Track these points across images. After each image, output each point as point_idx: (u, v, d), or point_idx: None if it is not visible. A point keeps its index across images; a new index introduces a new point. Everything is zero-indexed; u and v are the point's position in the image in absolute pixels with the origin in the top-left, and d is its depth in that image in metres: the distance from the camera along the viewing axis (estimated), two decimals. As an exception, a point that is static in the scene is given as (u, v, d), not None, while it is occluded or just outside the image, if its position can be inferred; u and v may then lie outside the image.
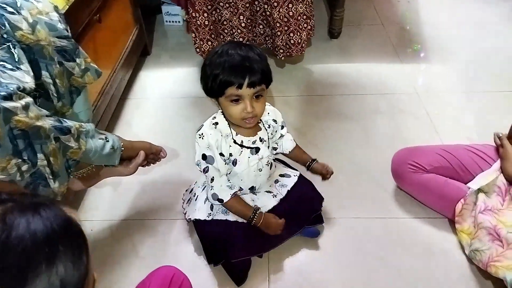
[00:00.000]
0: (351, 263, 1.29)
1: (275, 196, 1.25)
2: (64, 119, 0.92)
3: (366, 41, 2.37)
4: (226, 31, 1.87)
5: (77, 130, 0.93)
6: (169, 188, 1.54)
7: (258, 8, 1.81)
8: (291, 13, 1.82)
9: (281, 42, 1.87)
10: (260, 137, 1.15)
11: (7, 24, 0.87)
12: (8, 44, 0.86)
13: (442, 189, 1.33)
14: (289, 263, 1.30)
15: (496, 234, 1.17)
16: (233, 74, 0.98)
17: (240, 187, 1.19)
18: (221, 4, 1.81)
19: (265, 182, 1.23)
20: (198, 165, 1.14)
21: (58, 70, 0.98)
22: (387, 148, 1.60)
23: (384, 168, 1.49)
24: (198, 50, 1.93)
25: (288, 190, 1.26)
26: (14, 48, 0.87)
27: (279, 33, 1.84)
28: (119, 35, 1.91)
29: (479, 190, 1.28)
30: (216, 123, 1.11)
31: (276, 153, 1.29)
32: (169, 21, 2.58)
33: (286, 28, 1.85)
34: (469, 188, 1.28)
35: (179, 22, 2.56)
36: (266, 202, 1.23)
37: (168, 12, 2.54)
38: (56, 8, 1.00)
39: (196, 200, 1.27)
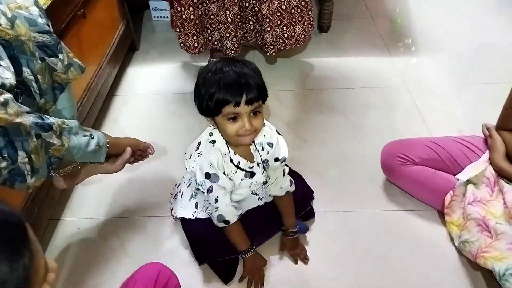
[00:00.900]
0: (342, 256, 1.29)
1: (261, 199, 1.24)
2: (46, 116, 0.90)
3: (356, 35, 2.36)
4: (213, 25, 1.85)
5: (59, 127, 0.91)
6: (157, 185, 1.53)
7: (247, 4, 1.79)
8: (284, 7, 1.81)
9: (271, 37, 1.85)
10: (258, 162, 1.11)
11: (-16, 19, 0.84)
12: (-14, 39, 0.84)
13: (431, 181, 1.33)
14: (279, 259, 1.29)
15: (485, 225, 1.17)
16: (229, 92, 0.93)
17: None
18: (208, -2, 1.78)
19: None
20: (201, 185, 1.09)
21: (39, 66, 0.96)
22: (377, 141, 1.60)
23: (374, 161, 1.49)
24: (182, 45, 1.90)
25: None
26: (-7, 44, 0.85)
27: (268, 29, 1.82)
28: (105, 30, 1.88)
29: (468, 181, 1.28)
30: (214, 141, 1.06)
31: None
32: (157, 17, 2.55)
33: (278, 22, 1.83)
34: (458, 179, 1.28)
35: (167, 17, 2.53)
36: (250, 203, 1.22)
37: (155, 7, 2.51)
38: (36, 3, 0.98)
39: (181, 197, 1.26)
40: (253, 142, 1.09)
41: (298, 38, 1.92)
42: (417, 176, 1.35)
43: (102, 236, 1.37)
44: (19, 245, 0.47)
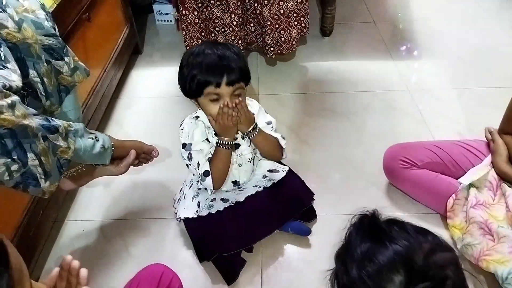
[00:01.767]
0: (344, 259, 1.29)
1: (260, 187, 1.26)
2: (52, 118, 0.91)
3: (358, 39, 2.37)
4: (217, 29, 1.86)
5: (65, 129, 0.92)
6: (161, 187, 1.53)
7: (248, 7, 1.81)
8: (282, 11, 1.82)
9: (271, 40, 1.87)
10: (242, 135, 1.15)
11: (-8, 23, 0.85)
12: (-7, 42, 0.85)
13: (434, 185, 1.33)
14: (281, 261, 1.29)
15: (487, 228, 1.18)
16: (210, 73, 0.97)
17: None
18: (212, 2, 1.80)
19: (249, 177, 1.23)
20: (183, 157, 1.14)
21: (45, 68, 0.97)
22: (379, 144, 1.60)
23: (376, 165, 1.49)
24: (188, 47, 1.92)
25: (274, 183, 1.26)
26: (0, 47, 0.86)
27: (269, 31, 1.84)
28: (109, 34, 1.89)
29: (471, 185, 1.28)
30: (197, 117, 1.13)
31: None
32: (161, 20, 2.57)
33: (276, 26, 1.85)
34: (460, 183, 1.29)
35: (170, 21, 2.55)
36: (249, 191, 1.24)
37: (159, 11, 2.53)
38: (43, 6, 0.99)
39: (184, 199, 1.27)
40: None
41: (294, 42, 1.94)
42: (420, 180, 1.35)
43: (106, 238, 1.38)
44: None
